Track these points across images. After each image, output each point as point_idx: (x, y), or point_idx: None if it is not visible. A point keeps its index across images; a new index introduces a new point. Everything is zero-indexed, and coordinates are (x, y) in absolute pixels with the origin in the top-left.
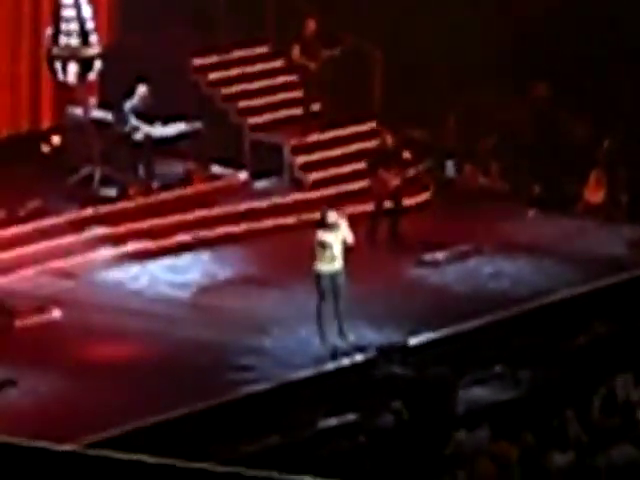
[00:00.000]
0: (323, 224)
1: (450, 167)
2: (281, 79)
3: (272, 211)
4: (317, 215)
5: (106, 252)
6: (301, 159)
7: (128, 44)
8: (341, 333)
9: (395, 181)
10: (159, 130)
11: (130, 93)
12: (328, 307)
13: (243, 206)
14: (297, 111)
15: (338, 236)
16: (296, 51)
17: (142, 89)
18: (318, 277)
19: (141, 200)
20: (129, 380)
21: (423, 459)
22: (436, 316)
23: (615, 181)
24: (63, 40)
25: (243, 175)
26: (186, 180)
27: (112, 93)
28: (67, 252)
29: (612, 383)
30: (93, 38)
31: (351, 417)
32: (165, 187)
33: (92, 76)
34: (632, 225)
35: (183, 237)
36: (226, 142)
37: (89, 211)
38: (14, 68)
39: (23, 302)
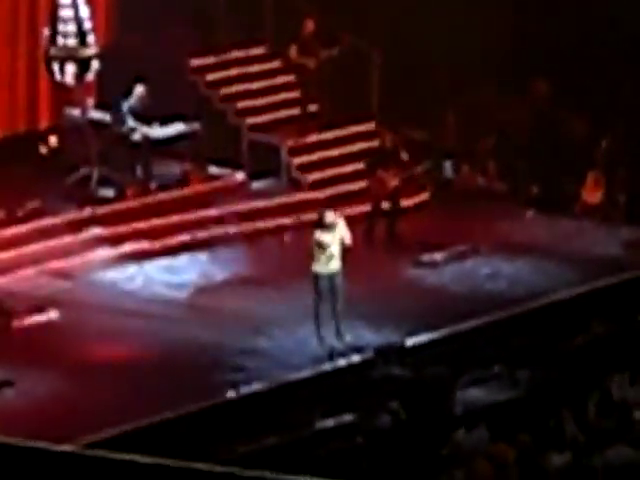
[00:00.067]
0: (321, 224)
1: (448, 167)
2: (279, 80)
3: (270, 212)
4: (315, 215)
5: (104, 252)
6: (299, 159)
7: (126, 44)
8: (338, 334)
9: (394, 182)
10: (157, 131)
11: (128, 93)
12: (325, 307)
13: (241, 207)
14: (295, 111)
15: (336, 236)
16: (294, 51)
17: (139, 89)
18: (316, 277)
19: (139, 201)
20: (127, 380)
21: (421, 460)
22: (434, 316)
23: (613, 182)
24: (61, 40)
25: (241, 176)
26: (184, 181)
27: (110, 94)
28: (65, 252)
29: (609, 383)
30: (91, 38)
31: (348, 418)
32: (163, 187)
33: (90, 77)
34: (630, 226)
35: (181, 237)
36: (224, 143)
37: (87, 211)
38: (12, 68)
39: (21, 302)
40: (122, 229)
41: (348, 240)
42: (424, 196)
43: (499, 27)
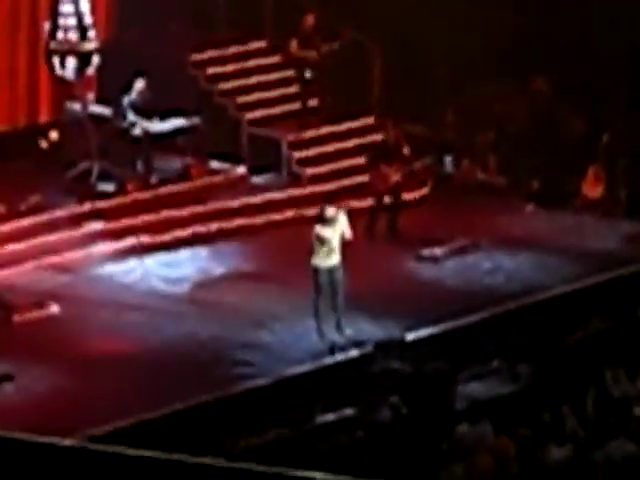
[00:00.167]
0: (322, 219)
1: (448, 162)
2: (279, 74)
3: (270, 206)
4: (315, 210)
5: (104, 247)
6: (299, 154)
7: (126, 39)
8: (339, 328)
9: (395, 176)
10: (157, 125)
11: (128, 88)
12: (325, 302)
13: (241, 201)
14: (295, 106)
15: (336, 231)
16: (294, 45)
17: (140, 84)
18: (316, 272)
19: (139, 195)
20: (127, 375)
21: (421, 454)
22: (434, 311)
23: (614, 176)
24: (61, 35)
25: (241, 170)
26: (184, 175)
27: (110, 88)
28: (65, 247)
29: (609, 378)
30: (91, 33)
31: (349, 412)
32: (163, 182)
33: (90, 71)
34: (630, 220)
35: (181, 232)
36: (224, 137)
37: (87, 206)
38: (12, 63)
39: (21, 297)
40: (122, 224)
41: (348, 235)
42: (424, 191)
43: (499, 23)
